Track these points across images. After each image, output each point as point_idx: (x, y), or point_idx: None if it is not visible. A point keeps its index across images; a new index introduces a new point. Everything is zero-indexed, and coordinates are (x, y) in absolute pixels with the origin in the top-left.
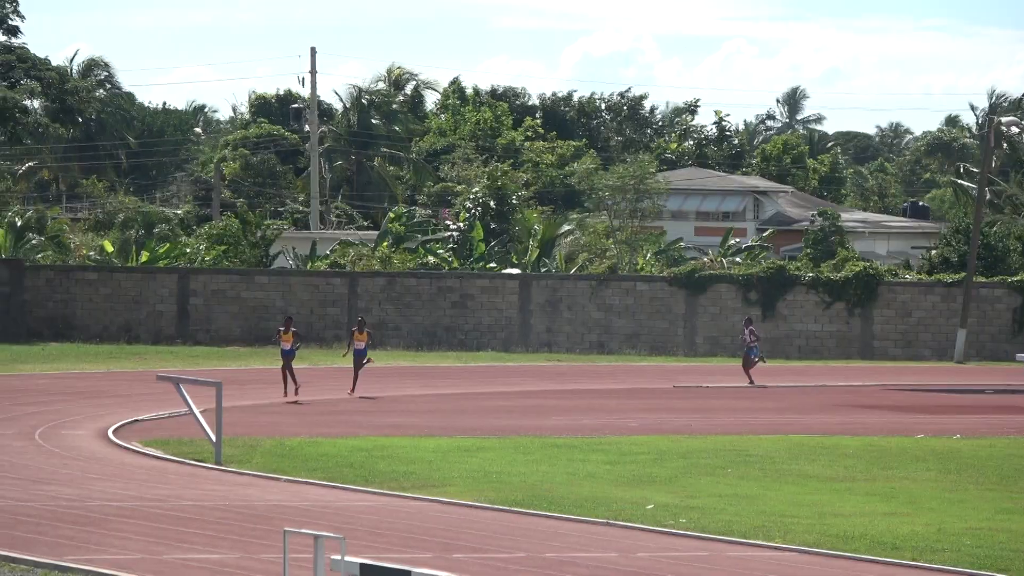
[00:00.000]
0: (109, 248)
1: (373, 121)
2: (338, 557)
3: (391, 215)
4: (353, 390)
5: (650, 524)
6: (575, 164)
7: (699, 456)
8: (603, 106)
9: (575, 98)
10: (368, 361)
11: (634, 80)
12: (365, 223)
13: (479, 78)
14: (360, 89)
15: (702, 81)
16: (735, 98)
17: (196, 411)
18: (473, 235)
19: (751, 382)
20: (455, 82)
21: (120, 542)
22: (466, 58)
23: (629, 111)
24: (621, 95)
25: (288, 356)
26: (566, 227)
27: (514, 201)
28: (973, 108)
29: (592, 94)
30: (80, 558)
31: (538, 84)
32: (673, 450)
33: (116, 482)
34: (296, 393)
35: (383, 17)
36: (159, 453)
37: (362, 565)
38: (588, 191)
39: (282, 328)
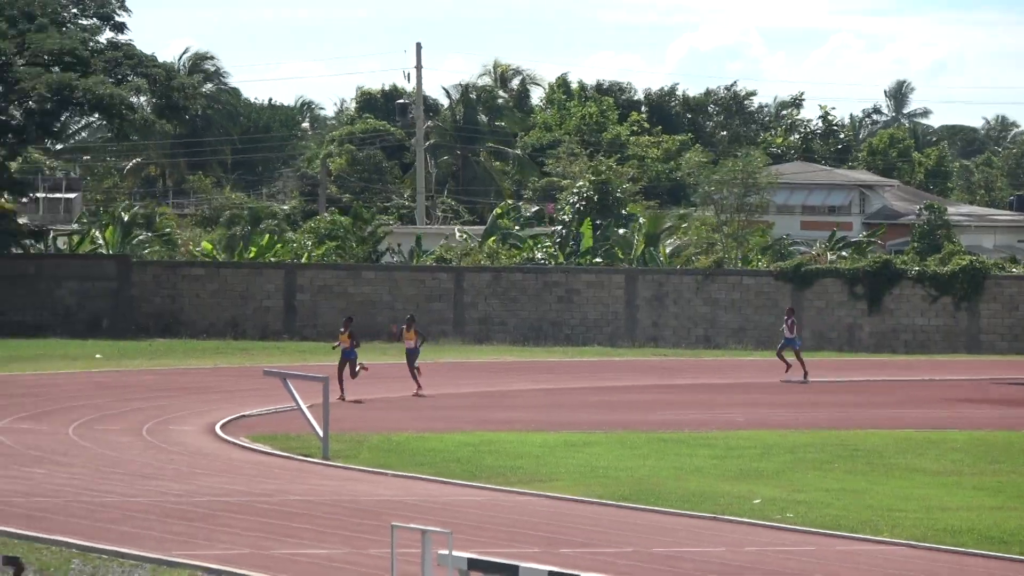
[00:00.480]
0: (208, 247)
1: (479, 116)
2: (445, 552)
3: (497, 210)
4: (418, 388)
5: (757, 519)
6: (683, 157)
7: (806, 450)
8: (710, 101)
9: (680, 92)
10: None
11: (740, 74)
12: (471, 218)
13: (584, 73)
14: (466, 85)
15: (808, 75)
16: (841, 92)
17: (303, 406)
18: (582, 230)
19: (804, 374)
20: (561, 77)
21: (228, 537)
22: (572, 53)
23: (736, 107)
24: (728, 88)
25: (349, 357)
26: (671, 222)
27: (619, 195)
28: None
29: (706, 90)
30: (188, 553)
31: (643, 79)
32: (780, 444)
33: (223, 477)
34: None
35: (489, 12)
36: (266, 448)
37: (470, 560)
38: (695, 185)
39: (342, 329)
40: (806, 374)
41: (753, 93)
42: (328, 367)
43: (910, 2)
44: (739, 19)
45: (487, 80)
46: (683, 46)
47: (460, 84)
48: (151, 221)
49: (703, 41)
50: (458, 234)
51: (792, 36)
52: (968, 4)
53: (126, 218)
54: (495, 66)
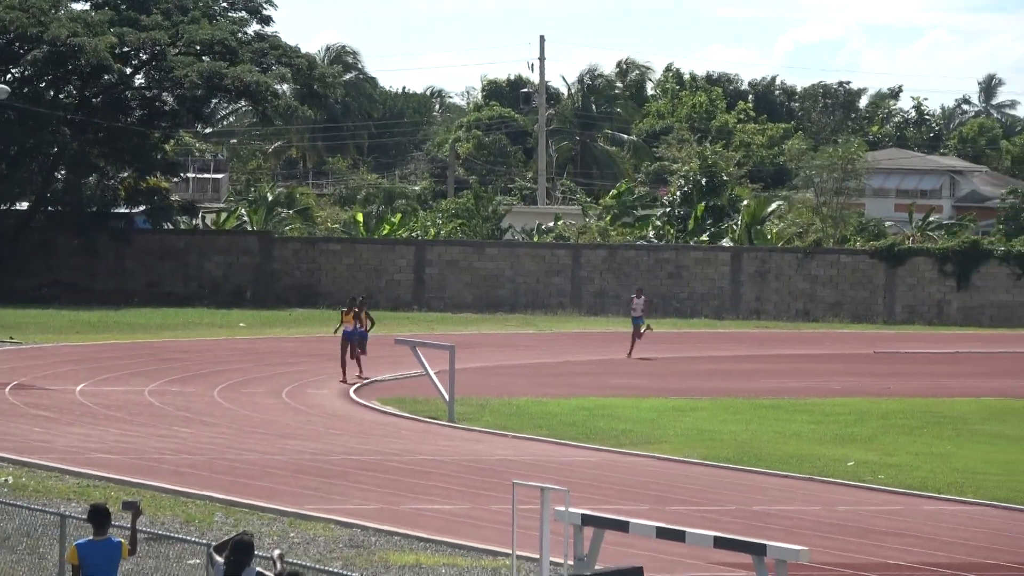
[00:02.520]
0: (360, 219)
1: (597, 105)
2: (562, 508)
3: (613, 192)
4: (344, 377)
5: (850, 480)
6: (786, 144)
7: (897, 417)
8: (818, 94)
9: (783, 83)
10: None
11: (841, 67)
12: (588, 199)
13: (697, 64)
14: (584, 75)
15: (905, 68)
16: (935, 84)
17: (431, 372)
18: (696, 211)
19: (629, 351)
20: (669, 68)
21: (360, 493)
22: (686, 45)
23: (845, 100)
24: (840, 84)
25: (351, 338)
26: (775, 204)
27: (724, 179)
28: None
29: (817, 84)
30: (322, 508)
31: (751, 70)
32: (873, 411)
33: (356, 437)
34: (360, 375)
35: (610, 6)
36: (396, 411)
37: (584, 515)
38: (796, 169)
39: (345, 308)
40: (631, 352)
41: (863, 91)
42: (455, 337)
43: (1001, 0)
44: (843, 15)
45: (606, 71)
46: (789, 40)
47: (580, 75)
48: (292, 200)
49: (808, 35)
50: (582, 210)
51: (891, 32)
52: None
53: (270, 197)
54: (619, 63)
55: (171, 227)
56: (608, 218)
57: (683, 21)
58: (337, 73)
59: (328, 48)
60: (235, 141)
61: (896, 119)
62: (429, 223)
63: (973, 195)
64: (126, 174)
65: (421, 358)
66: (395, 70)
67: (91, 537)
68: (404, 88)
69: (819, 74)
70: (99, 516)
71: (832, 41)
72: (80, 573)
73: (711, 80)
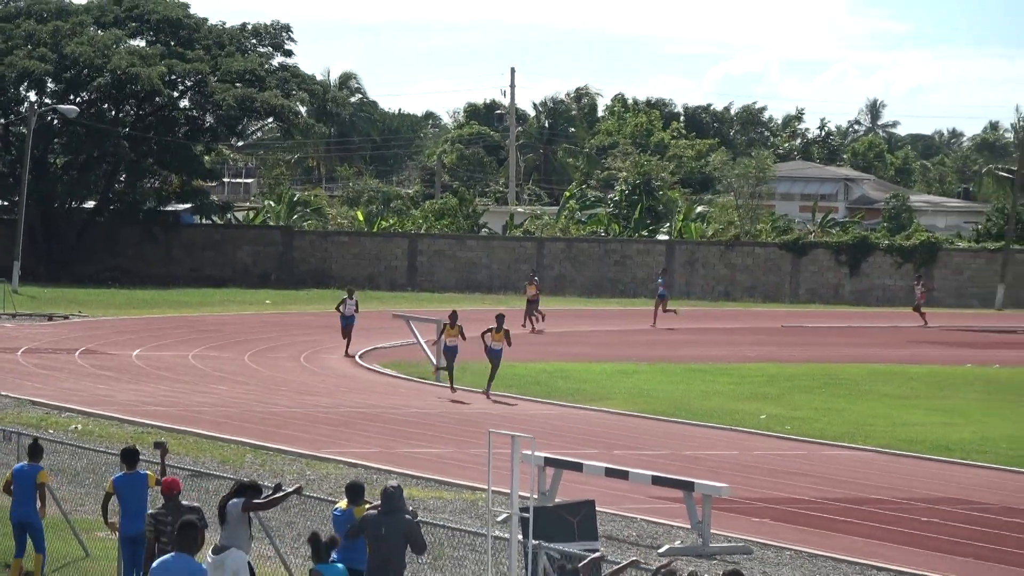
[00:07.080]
0: (360, 218)
1: (556, 124)
2: (529, 452)
3: (566, 194)
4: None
5: (763, 430)
6: (711, 157)
7: (800, 379)
8: (732, 116)
9: (711, 107)
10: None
11: (762, 94)
12: (549, 200)
13: (643, 91)
14: (546, 100)
15: (814, 94)
16: (839, 108)
17: (422, 341)
18: (637, 210)
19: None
20: (617, 96)
21: (363, 439)
22: (637, 75)
23: (752, 119)
24: (746, 107)
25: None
26: (700, 207)
27: (658, 183)
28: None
29: (727, 105)
30: (333, 451)
31: (689, 96)
32: (780, 374)
33: (361, 394)
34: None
35: (573, 40)
36: (393, 372)
37: (546, 458)
38: (719, 177)
39: (446, 321)
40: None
41: (764, 108)
42: (442, 312)
43: (892, 41)
44: (764, 51)
45: (565, 96)
46: (720, 71)
47: (544, 99)
48: (308, 201)
49: (735, 67)
50: (522, 219)
51: (803, 65)
52: (936, 41)
53: (295, 198)
54: (579, 90)
55: (210, 222)
56: (564, 216)
57: (636, 55)
58: (344, 97)
59: (336, 75)
60: (262, 152)
61: (801, 138)
62: (420, 220)
63: (863, 199)
64: (174, 178)
65: (414, 329)
66: (393, 95)
67: (123, 471)
68: (399, 109)
69: (744, 100)
70: (127, 455)
71: (755, 72)
72: (115, 498)
73: (650, 104)
